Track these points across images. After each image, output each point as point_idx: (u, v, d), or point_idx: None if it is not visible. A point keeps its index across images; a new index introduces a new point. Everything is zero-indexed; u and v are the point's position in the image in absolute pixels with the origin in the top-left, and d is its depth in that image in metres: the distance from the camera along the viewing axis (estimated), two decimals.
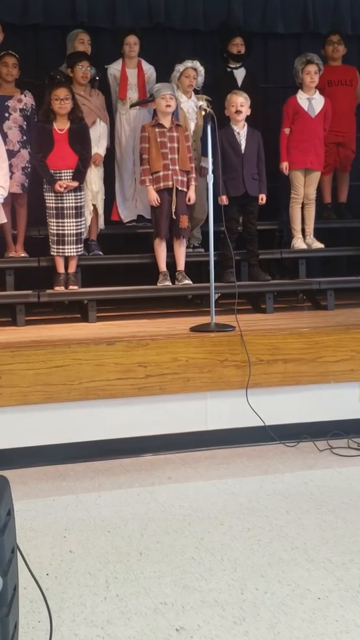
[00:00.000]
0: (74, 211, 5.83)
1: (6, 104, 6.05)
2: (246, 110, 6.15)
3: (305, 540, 3.21)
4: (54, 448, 4.37)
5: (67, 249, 5.86)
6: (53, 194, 5.80)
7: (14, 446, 4.30)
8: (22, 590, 2.43)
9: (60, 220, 5.82)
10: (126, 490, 3.91)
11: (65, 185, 5.74)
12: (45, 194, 5.84)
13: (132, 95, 6.58)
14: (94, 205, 6.30)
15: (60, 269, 5.91)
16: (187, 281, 6.08)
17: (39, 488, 3.97)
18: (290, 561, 3.01)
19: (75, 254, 5.92)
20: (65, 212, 5.81)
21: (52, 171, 5.77)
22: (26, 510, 3.59)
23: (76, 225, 5.86)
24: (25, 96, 6.13)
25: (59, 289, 5.87)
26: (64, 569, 2.99)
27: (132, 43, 6.58)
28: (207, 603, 2.68)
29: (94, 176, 6.26)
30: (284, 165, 6.59)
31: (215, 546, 3.17)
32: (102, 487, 3.97)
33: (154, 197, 6.00)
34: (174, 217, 6.01)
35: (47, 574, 2.93)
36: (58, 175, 5.77)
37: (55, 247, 5.86)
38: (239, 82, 6.94)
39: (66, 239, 5.83)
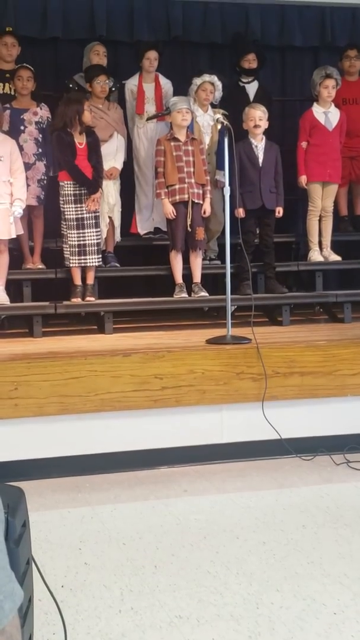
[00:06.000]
0: (93, 221, 5.86)
1: (22, 116, 6.09)
2: (264, 124, 6.17)
3: (321, 555, 3.19)
4: (69, 460, 4.37)
5: (89, 259, 5.88)
6: (73, 205, 5.82)
7: (29, 457, 4.31)
8: (37, 602, 2.42)
9: (81, 231, 5.84)
10: (142, 502, 3.90)
11: (94, 200, 5.79)
12: (65, 206, 5.85)
13: (150, 109, 6.59)
14: (110, 218, 6.33)
15: (78, 280, 5.93)
16: (204, 293, 6.08)
17: (54, 500, 3.97)
18: (306, 575, 2.99)
19: (97, 263, 5.94)
20: (86, 222, 5.84)
21: (72, 183, 5.79)
22: (42, 521, 3.59)
23: (96, 235, 5.89)
24: (41, 109, 6.16)
25: (76, 300, 5.89)
26: (79, 581, 2.99)
27: (152, 58, 6.60)
28: (222, 617, 2.67)
29: (111, 189, 6.29)
30: (303, 179, 6.58)
31: (231, 560, 3.15)
32: (118, 499, 3.97)
33: (170, 210, 6.02)
34: (189, 229, 6.03)
35: (62, 586, 2.93)
36: (78, 188, 5.80)
37: (76, 258, 5.86)
38: (251, 97, 6.95)
39: (87, 249, 5.85)
